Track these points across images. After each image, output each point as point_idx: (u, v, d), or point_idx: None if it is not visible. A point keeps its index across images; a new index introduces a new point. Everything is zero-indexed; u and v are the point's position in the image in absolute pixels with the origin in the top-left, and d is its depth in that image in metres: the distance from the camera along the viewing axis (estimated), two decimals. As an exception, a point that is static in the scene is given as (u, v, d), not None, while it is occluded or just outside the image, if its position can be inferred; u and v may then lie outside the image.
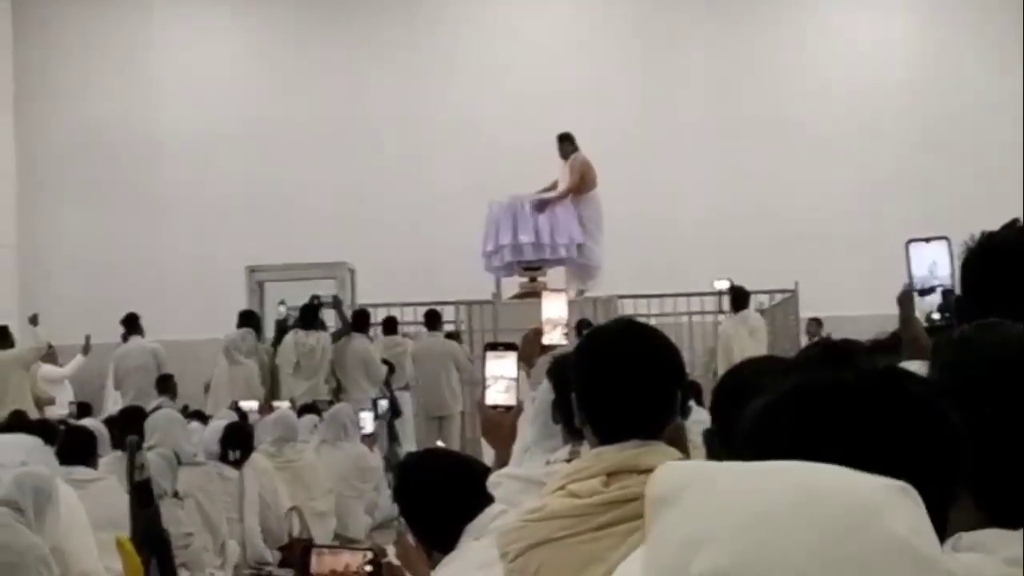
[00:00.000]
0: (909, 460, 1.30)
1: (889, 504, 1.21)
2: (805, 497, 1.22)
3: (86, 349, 15.28)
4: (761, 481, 1.26)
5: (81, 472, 7.24)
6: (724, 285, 15.25)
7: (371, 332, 14.78)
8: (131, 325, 14.82)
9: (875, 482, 1.24)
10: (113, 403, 14.34)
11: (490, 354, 3.57)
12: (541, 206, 15.51)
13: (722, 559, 1.21)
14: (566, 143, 15.65)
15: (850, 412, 1.34)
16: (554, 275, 15.59)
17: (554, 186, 15.77)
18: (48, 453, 6.80)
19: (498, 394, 3.54)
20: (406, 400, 14.46)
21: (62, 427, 8.54)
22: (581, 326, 12.01)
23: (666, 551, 1.25)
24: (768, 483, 1.25)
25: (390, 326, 15.07)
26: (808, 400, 1.35)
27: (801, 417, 1.34)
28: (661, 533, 1.27)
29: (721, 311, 15.64)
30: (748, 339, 13.88)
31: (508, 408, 3.57)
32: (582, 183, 15.50)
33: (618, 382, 2.66)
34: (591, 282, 15.74)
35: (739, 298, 14.50)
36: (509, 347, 3.63)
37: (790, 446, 1.30)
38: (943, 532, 1.35)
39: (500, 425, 3.61)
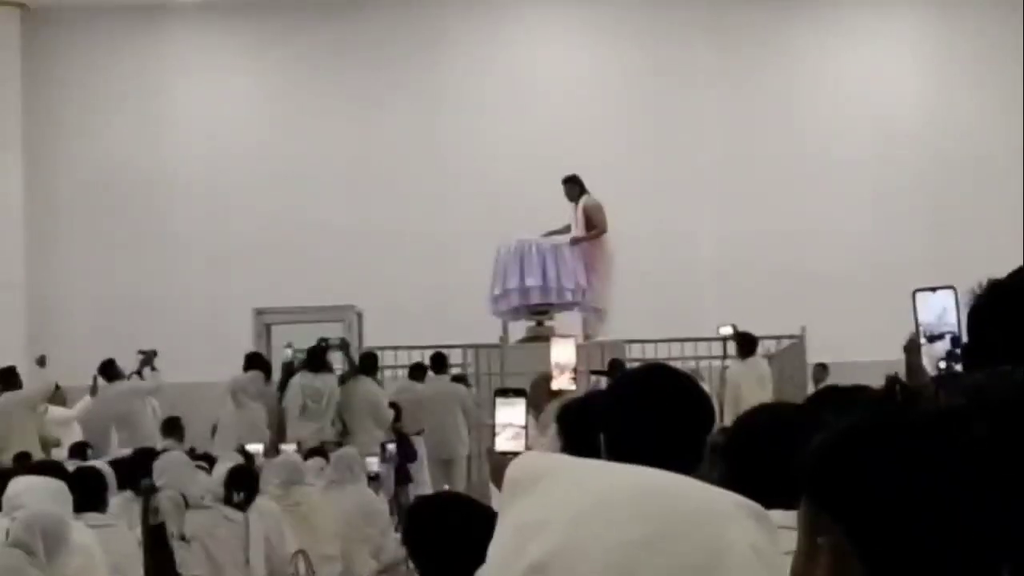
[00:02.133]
0: (974, 500, 1.31)
1: (738, 518, 1.23)
2: (650, 496, 1.24)
3: (94, 390, 15.22)
4: (613, 478, 1.27)
5: (91, 518, 7.20)
6: (728, 331, 15.22)
7: (380, 375, 14.79)
8: (109, 372, 14.79)
9: (730, 496, 1.25)
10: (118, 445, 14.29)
11: (500, 400, 3.59)
12: (575, 241, 15.37)
13: (553, 543, 1.23)
14: (572, 185, 15.49)
15: (917, 449, 1.34)
16: (563, 319, 15.55)
17: (567, 229, 15.69)
18: (70, 497, 6.78)
19: (507, 440, 3.56)
20: (420, 443, 14.45)
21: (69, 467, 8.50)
22: (613, 366, 12.07)
23: (509, 534, 1.28)
24: (620, 480, 1.26)
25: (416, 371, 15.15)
26: (881, 436, 1.36)
27: (873, 453, 1.34)
28: (510, 518, 1.30)
29: (726, 356, 15.60)
30: (755, 386, 13.87)
31: (517, 454, 3.58)
32: (596, 228, 15.40)
33: (651, 426, 2.68)
34: (600, 326, 15.69)
35: (747, 344, 14.47)
36: (518, 393, 3.65)
37: (858, 482, 1.30)
38: None
39: (510, 470, 3.62)
